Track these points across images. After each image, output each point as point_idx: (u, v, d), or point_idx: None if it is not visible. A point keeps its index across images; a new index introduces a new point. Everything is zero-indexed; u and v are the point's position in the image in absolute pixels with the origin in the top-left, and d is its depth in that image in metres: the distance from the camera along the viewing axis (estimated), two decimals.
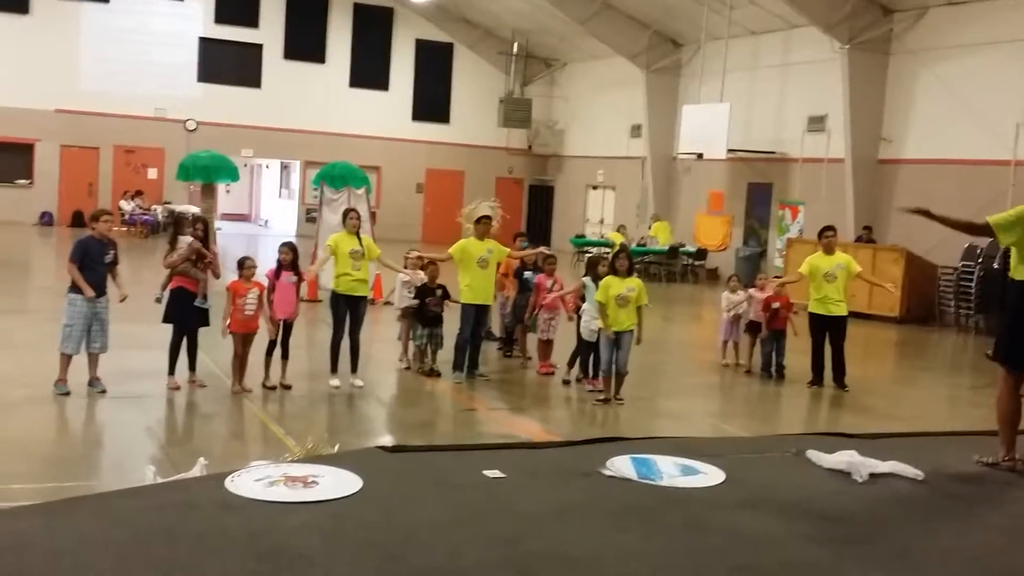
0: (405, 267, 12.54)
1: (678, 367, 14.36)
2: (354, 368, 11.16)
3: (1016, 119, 19.64)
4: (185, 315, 10.49)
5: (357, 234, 11.23)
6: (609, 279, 10.94)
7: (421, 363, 12.13)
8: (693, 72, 28.33)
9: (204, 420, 9.72)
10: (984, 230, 7.40)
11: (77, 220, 30.52)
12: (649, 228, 28.65)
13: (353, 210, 11.80)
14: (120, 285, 10.22)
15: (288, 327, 10.84)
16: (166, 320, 10.58)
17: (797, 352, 13.27)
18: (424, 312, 11.93)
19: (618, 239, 26.13)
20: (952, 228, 7.56)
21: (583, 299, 11.90)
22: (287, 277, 10.84)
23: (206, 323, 10.70)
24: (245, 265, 10.55)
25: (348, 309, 11.14)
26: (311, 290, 17.23)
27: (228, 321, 10.50)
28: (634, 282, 10.94)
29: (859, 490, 6.64)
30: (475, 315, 11.83)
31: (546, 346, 12.70)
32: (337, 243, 11.13)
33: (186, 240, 10.65)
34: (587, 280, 11.86)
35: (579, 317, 11.90)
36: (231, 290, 10.48)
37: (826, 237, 12.75)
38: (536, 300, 12.63)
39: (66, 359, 9.94)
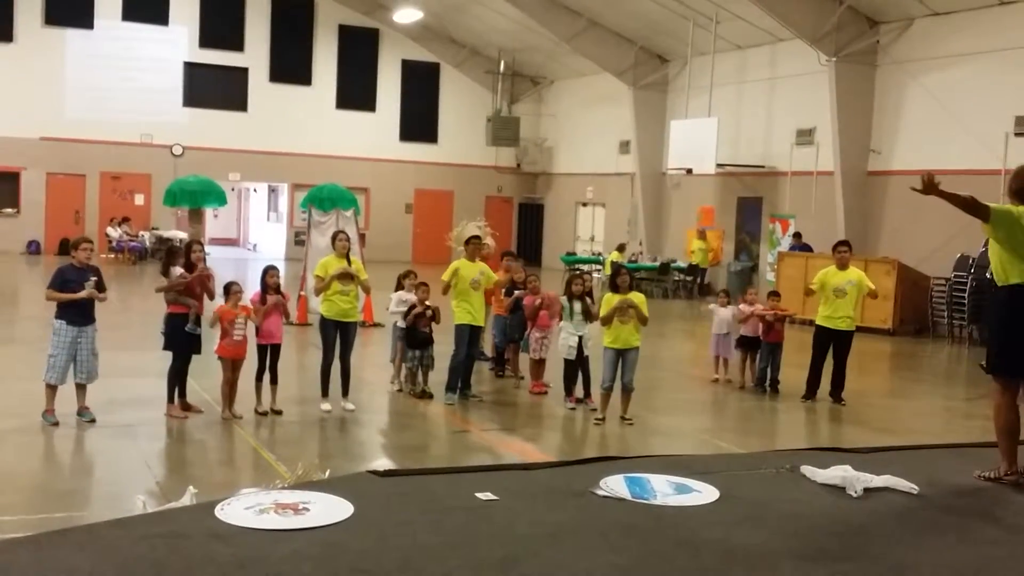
0: (400, 288, 12.54)
1: (671, 383, 14.31)
2: (345, 392, 11.09)
3: (1005, 128, 19.69)
4: (182, 340, 10.43)
5: (347, 257, 11.16)
6: (609, 296, 10.90)
7: (413, 385, 12.07)
8: (680, 87, 28.40)
9: (194, 448, 9.63)
10: (981, 212, 7.19)
11: (64, 248, 30.44)
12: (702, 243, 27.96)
13: (342, 232, 11.74)
14: (95, 293, 9.96)
15: (276, 351, 10.77)
16: (167, 347, 10.51)
17: (791, 366, 13.23)
18: (415, 334, 11.87)
19: (613, 257, 26.13)
20: (953, 204, 7.35)
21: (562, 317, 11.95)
22: (273, 301, 10.79)
23: (198, 350, 10.62)
24: (231, 290, 10.47)
25: (338, 333, 11.07)
26: (301, 313, 17.17)
27: (216, 346, 10.47)
28: (635, 297, 10.91)
29: (854, 505, 6.59)
30: (469, 336, 11.78)
31: (538, 365, 12.65)
32: (327, 267, 11.07)
33: (177, 271, 10.60)
34: (563, 299, 11.90)
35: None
36: (219, 315, 10.42)
37: (839, 252, 12.69)
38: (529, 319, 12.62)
39: (51, 390, 9.83)
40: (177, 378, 10.46)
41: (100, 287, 9.98)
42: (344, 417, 10.80)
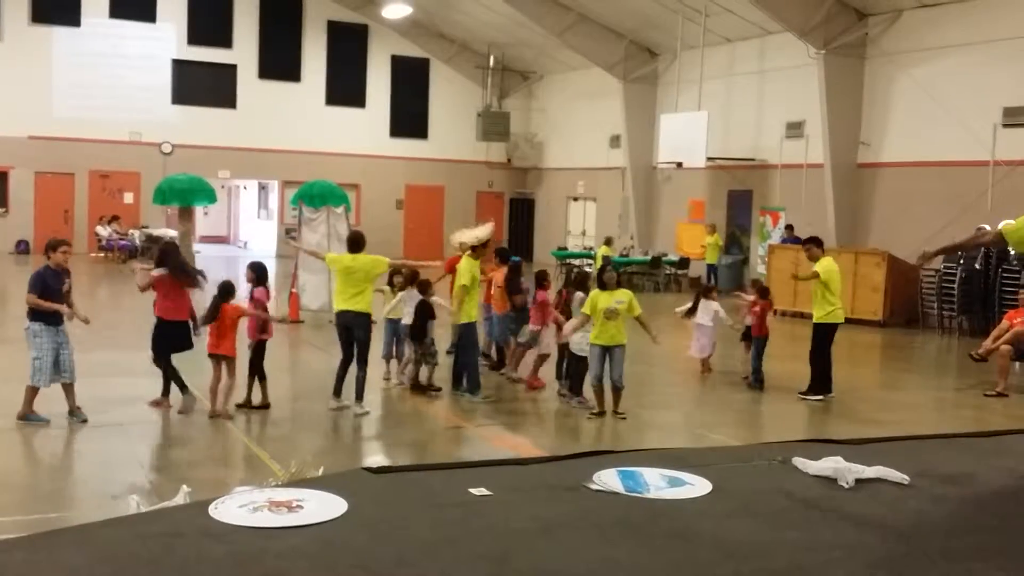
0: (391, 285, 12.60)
1: (663, 378, 14.33)
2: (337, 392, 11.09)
3: (993, 119, 19.76)
4: (163, 339, 10.46)
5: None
6: (596, 293, 10.90)
7: (415, 380, 12.08)
8: (670, 81, 28.42)
9: (187, 446, 9.63)
10: (996, 240, 7.34)
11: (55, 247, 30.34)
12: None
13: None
14: (77, 311, 10.08)
15: (262, 348, 10.82)
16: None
17: (783, 359, 13.26)
18: (425, 331, 11.94)
19: (603, 251, 26.13)
20: (963, 250, 7.61)
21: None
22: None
23: (189, 346, 10.63)
24: (232, 291, 10.55)
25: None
26: (292, 311, 17.13)
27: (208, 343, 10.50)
28: (623, 294, 10.89)
29: (846, 495, 6.60)
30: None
31: (541, 361, 12.64)
32: (340, 260, 11.10)
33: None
34: (580, 294, 11.93)
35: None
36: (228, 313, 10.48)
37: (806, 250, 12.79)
38: (544, 316, 12.53)
39: (33, 392, 9.81)
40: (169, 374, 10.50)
41: (69, 288, 9.99)
42: (337, 414, 10.79)
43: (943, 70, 20.97)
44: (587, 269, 25.68)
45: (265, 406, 10.70)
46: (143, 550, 5.18)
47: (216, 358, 10.41)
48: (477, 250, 11.85)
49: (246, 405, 10.64)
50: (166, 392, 10.60)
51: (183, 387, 10.51)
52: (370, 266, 10.85)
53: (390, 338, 12.64)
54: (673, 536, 5.79)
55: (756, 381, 13.03)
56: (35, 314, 9.76)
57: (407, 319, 12.22)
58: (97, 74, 31.22)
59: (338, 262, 10.86)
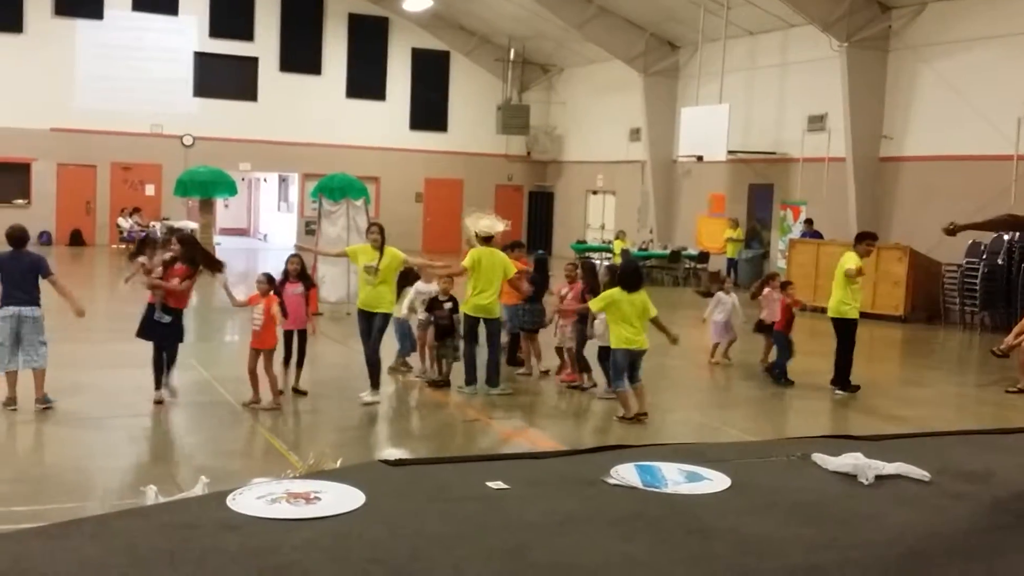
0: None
1: (680, 372, 14.28)
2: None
3: (1017, 113, 19.60)
4: (151, 329, 10.56)
5: (380, 249, 10.99)
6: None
7: (439, 373, 12.07)
8: (691, 74, 28.31)
9: (206, 437, 9.65)
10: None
11: (75, 239, 30.53)
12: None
13: (376, 224, 11.63)
14: None
15: (302, 338, 10.93)
16: (139, 335, 10.64)
17: (802, 354, 13.19)
18: (438, 323, 11.93)
19: (620, 244, 26.09)
20: (989, 230, 7.41)
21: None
22: (293, 289, 10.89)
23: (178, 338, 10.71)
24: (257, 280, 10.67)
25: (366, 323, 11.08)
26: (312, 303, 17.14)
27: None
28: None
29: (865, 492, 6.56)
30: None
31: (569, 354, 12.61)
32: (356, 253, 11.15)
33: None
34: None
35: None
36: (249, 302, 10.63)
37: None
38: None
39: (44, 375, 9.97)
40: (158, 365, 10.56)
41: None
42: (355, 407, 10.80)
43: (967, 63, 20.81)
44: (605, 262, 25.65)
45: (300, 392, 10.94)
46: (160, 541, 5.18)
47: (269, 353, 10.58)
48: (490, 241, 11.78)
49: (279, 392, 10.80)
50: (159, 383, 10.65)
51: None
52: None
53: (408, 334, 12.62)
54: (690, 531, 5.75)
55: (771, 374, 12.97)
56: (38, 299, 9.86)
57: (422, 314, 12.17)
58: (119, 67, 31.28)
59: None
